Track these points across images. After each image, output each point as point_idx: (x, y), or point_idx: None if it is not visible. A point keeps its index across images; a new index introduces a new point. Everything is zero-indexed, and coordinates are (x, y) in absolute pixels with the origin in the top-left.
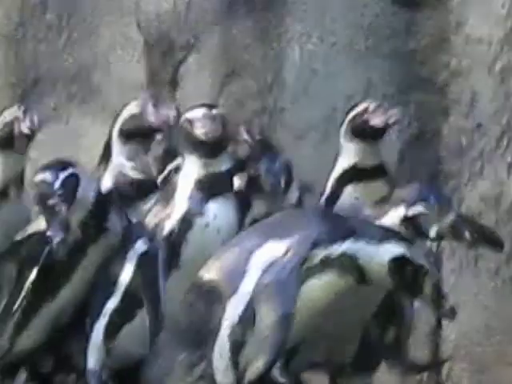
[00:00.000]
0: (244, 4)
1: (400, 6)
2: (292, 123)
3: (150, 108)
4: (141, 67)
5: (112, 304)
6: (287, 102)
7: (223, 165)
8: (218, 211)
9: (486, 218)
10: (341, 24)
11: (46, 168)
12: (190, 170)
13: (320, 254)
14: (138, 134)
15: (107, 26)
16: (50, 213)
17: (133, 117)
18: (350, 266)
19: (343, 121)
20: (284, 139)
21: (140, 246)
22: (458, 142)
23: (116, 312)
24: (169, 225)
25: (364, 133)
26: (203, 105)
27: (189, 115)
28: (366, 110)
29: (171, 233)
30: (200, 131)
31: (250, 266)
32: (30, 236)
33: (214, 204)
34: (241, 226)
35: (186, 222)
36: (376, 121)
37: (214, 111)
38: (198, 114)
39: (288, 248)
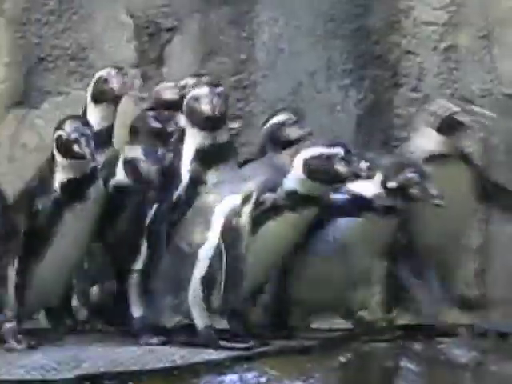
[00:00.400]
0: None
1: None
2: (263, 95)
3: (114, 74)
4: (131, 47)
5: None
6: (258, 76)
7: (224, 137)
8: (218, 179)
9: None
10: (304, 10)
11: None
12: (193, 142)
13: (270, 198)
14: (104, 98)
15: (101, 11)
16: None
17: (99, 80)
18: (295, 198)
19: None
20: (256, 108)
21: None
22: (408, 111)
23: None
24: (175, 193)
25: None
26: (208, 83)
27: (195, 93)
28: (283, 123)
29: (178, 199)
30: (206, 107)
31: (215, 217)
32: None
33: (214, 173)
34: None
35: (190, 190)
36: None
37: (218, 89)
38: (204, 91)
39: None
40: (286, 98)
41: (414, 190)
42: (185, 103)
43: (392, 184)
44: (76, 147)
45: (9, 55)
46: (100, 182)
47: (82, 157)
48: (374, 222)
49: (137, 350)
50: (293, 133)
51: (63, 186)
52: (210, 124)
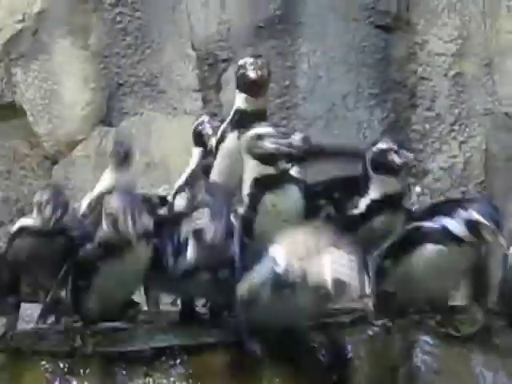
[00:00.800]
0: (268, 29)
1: (380, 30)
2: (303, 114)
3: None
4: (194, 75)
5: None
6: (299, 99)
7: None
8: None
9: (443, 183)
10: (338, 43)
11: None
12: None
13: None
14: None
15: (170, 45)
16: None
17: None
18: None
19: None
20: (297, 126)
21: None
22: (423, 128)
23: None
24: None
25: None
26: (251, 56)
27: (241, 62)
28: (387, 150)
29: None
30: (252, 72)
31: None
32: None
33: None
34: None
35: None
36: (396, 160)
37: (260, 60)
38: (249, 60)
39: None
40: (322, 116)
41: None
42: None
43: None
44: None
45: (94, 82)
46: None
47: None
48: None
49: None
50: (396, 159)
51: None
52: (255, 88)
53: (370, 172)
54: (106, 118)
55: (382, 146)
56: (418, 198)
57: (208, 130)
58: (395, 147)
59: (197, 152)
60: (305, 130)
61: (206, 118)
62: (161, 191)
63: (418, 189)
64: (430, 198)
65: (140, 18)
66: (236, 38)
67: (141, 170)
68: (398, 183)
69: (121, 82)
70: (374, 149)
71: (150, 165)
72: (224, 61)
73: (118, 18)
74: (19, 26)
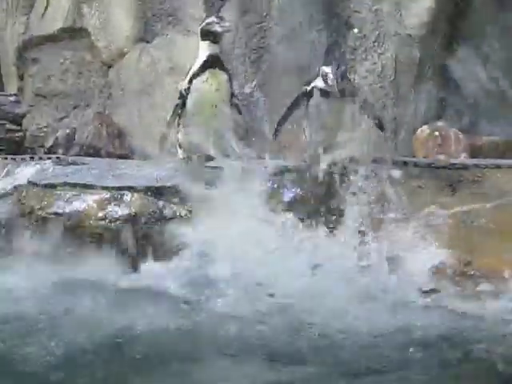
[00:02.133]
0: None
1: None
2: (274, 35)
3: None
4: (201, 9)
5: None
6: (272, 24)
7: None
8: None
9: (367, 80)
10: None
11: None
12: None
13: None
14: None
15: None
16: None
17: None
18: None
19: None
20: (270, 42)
21: None
22: (355, 44)
23: None
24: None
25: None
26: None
27: (208, 20)
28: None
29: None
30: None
31: None
32: None
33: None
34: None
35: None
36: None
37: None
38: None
39: None
40: (287, 35)
41: None
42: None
43: None
44: None
45: (135, 12)
46: None
47: None
48: None
49: None
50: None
51: None
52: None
53: None
54: (143, 37)
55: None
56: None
57: (217, 28)
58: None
59: (205, 44)
60: (277, 44)
61: (214, 19)
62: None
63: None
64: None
65: None
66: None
67: (167, 72)
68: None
69: (153, 13)
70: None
71: (174, 68)
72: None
73: None
74: None
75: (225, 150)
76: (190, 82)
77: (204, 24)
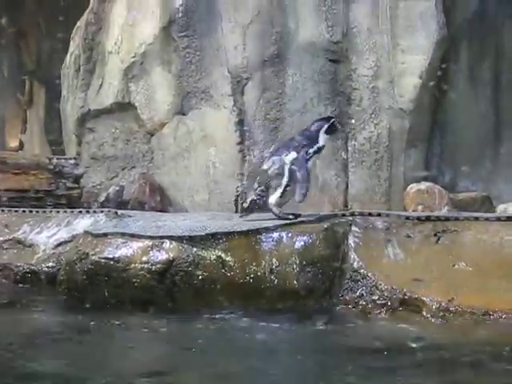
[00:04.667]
0: (270, 62)
1: (331, 62)
2: (290, 109)
3: None
4: (229, 87)
5: None
6: (287, 100)
7: None
8: None
9: (365, 146)
10: (309, 69)
11: None
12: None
13: None
14: None
15: (216, 70)
16: None
17: None
18: None
19: None
20: (287, 115)
21: None
22: (355, 117)
23: None
24: None
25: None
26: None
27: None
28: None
29: None
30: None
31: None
32: None
33: None
34: None
35: None
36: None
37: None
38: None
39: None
40: (300, 110)
41: None
42: None
43: None
44: None
45: (174, 91)
46: None
47: None
48: None
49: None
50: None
51: None
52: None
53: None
54: (180, 110)
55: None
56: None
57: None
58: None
59: (324, 139)
60: (290, 116)
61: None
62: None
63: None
64: (358, 155)
65: (199, 55)
66: (251, 66)
67: (199, 139)
68: None
69: (189, 90)
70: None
71: (205, 136)
72: (246, 79)
73: (187, 55)
74: (132, 60)
75: None
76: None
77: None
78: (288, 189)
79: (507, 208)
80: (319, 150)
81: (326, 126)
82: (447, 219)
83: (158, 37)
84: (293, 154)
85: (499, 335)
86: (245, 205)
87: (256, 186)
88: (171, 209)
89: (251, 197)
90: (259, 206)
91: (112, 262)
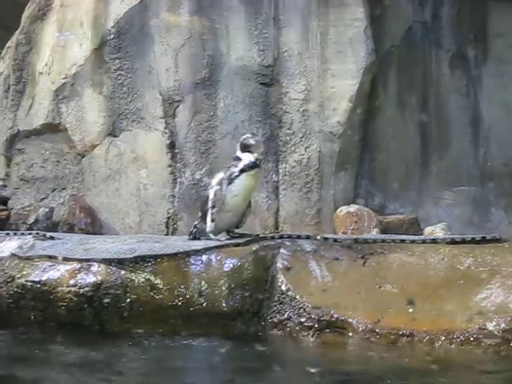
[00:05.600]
0: (201, 84)
1: (263, 85)
2: (221, 131)
3: None
4: (161, 109)
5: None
6: (218, 122)
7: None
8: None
9: (296, 168)
10: (240, 92)
11: None
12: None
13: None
14: None
15: (147, 92)
16: None
17: None
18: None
19: None
20: (217, 137)
21: None
22: (286, 139)
23: None
24: None
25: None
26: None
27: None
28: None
29: None
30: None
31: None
32: None
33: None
34: None
35: None
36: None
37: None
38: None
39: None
40: (231, 132)
41: None
42: None
43: None
44: None
45: (105, 112)
46: None
47: None
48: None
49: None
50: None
51: None
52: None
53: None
54: (111, 132)
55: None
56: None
57: (252, 141)
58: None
59: (246, 156)
60: (222, 139)
61: (249, 134)
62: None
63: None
64: (289, 177)
65: (131, 77)
66: (183, 89)
67: (130, 161)
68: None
69: (120, 112)
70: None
71: (136, 158)
72: (177, 101)
73: (119, 77)
74: (63, 81)
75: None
76: (230, 183)
77: (241, 139)
78: (214, 211)
79: (434, 230)
80: (249, 166)
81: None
82: (374, 242)
83: (89, 58)
84: (220, 175)
85: (415, 360)
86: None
87: (199, 212)
88: (102, 231)
89: (194, 223)
90: (201, 232)
91: (39, 286)
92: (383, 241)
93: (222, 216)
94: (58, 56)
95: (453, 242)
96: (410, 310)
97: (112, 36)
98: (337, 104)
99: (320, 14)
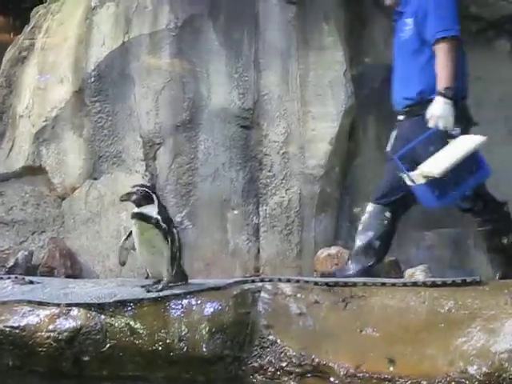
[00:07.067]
0: (182, 127)
1: (243, 128)
2: (202, 173)
3: None
4: (141, 152)
5: None
6: (199, 165)
7: None
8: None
9: (277, 211)
10: (220, 135)
11: None
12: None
13: None
14: None
15: (128, 135)
16: None
17: None
18: None
19: None
20: (197, 179)
21: None
22: (266, 181)
23: None
24: None
25: None
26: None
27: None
28: None
29: None
30: None
31: None
32: None
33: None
34: None
35: None
36: None
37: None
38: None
39: None
40: (212, 174)
41: None
42: None
43: None
44: None
45: (85, 155)
46: None
47: None
48: None
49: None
50: None
51: None
52: None
53: None
54: (92, 174)
55: None
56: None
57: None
58: None
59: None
60: (202, 181)
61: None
62: None
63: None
64: (269, 219)
65: (111, 120)
66: (164, 132)
67: (111, 203)
68: None
69: (100, 155)
70: None
71: (117, 201)
72: (158, 144)
73: (99, 120)
74: (44, 124)
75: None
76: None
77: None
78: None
79: (415, 272)
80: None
81: None
82: (355, 285)
83: (69, 101)
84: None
85: None
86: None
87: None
88: (82, 274)
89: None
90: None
91: (17, 331)
92: (364, 284)
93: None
94: (38, 99)
95: (434, 284)
96: (391, 369)
97: (93, 79)
98: (317, 146)
99: (300, 57)
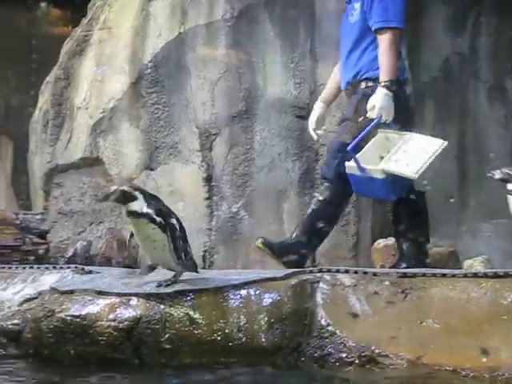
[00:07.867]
0: (238, 117)
1: (299, 118)
2: (258, 164)
3: None
4: (197, 142)
5: None
6: (255, 155)
7: None
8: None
9: None
10: (276, 124)
11: None
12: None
13: None
14: None
15: (184, 126)
16: None
17: None
18: None
19: None
20: (254, 170)
21: None
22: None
23: None
24: None
25: None
26: None
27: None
28: None
29: None
30: None
31: None
32: None
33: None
34: None
35: None
36: None
37: None
38: None
39: None
40: (268, 165)
41: None
42: None
43: None
44: None
45: (142, 146)
46: None
47: None
48: None
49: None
50: None
51: None
52: None
53: None
54: (148, 165)
55: None
56: None
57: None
58: None
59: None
60: (258, 172)
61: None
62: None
63: None
64: None
65: (168, 111)
66: (220, 122)
67: (167, 194)
68: None
69: (157, 146)
70: None
71: (173, 192)
72: (214, 135)
73: (156, 111)
74: (101, 115)
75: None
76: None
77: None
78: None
79: (473, 263)
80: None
81: None
82: (414, 275)
83: (126, 92)
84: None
85: None
86: None
87: None
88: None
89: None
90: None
91: (78, 320)
92: (424, 275)
93: None
94: (95, 91)
95: (495, 275)
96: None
97: (149, 70)
98: None
99: None
